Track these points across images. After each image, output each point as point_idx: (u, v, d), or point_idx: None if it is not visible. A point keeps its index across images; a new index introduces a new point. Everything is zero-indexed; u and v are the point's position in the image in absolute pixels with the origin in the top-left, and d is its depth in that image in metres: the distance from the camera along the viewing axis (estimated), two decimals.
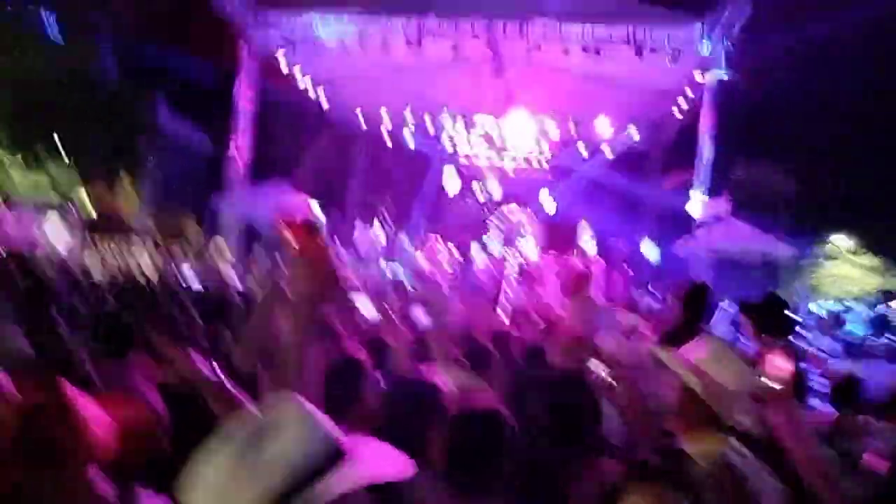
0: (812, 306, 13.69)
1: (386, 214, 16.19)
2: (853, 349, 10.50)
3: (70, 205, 14.68)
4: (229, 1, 12.24)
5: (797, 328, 5.81)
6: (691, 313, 3.55)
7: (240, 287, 7.05)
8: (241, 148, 13.46)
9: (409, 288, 9.08)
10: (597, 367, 2.72)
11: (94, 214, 17.55)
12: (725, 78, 11.51)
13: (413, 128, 16.75)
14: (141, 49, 19.49)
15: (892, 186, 16.08)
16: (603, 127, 15.05)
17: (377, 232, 15.77)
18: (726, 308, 7.48)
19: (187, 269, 9.43)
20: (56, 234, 12.28)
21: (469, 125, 16.38)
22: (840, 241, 17.91)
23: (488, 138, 17.18)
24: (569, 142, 16.43)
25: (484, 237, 16.50)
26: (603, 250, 13.63)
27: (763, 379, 2.10)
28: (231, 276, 9.01)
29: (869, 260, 17.25)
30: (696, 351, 2.12)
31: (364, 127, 17.51)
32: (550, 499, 1.95)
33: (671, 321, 3.76)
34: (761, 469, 1.92)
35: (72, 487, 1.26)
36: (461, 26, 11.78)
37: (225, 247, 12.42)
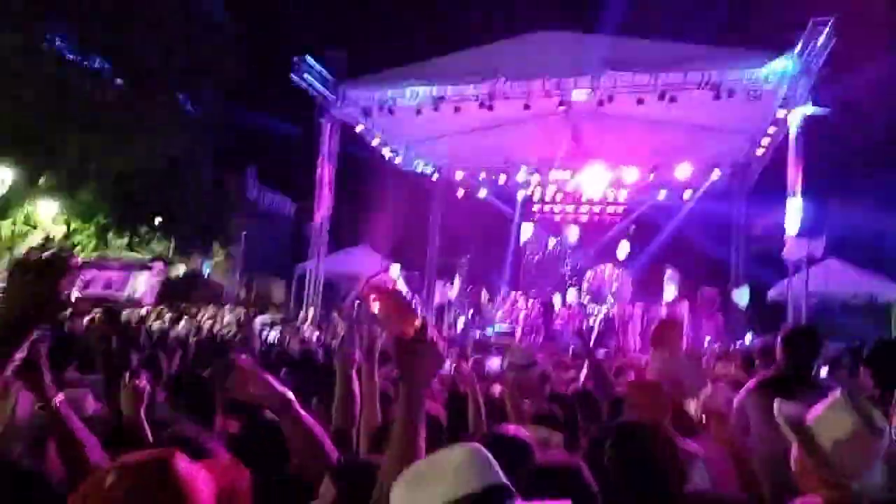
0: None
1: (465, 272, 16.24)
2: None
3: (162, 263, 15.48)
4: (310, 80, 12.94)
5: None
6: (798, 359, 3.24)
7: (319, 352, 7.13)
8: (323, 216, 13.97)
9: (492, 344, 8.95)
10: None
11: (181, 275, 18.63)
12: (810, 113, 10.93)
13: (490, 186, 16.94)
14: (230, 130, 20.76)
15: None
16: (684, 172, 14.68)
17: (457, 290, 15.81)
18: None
19: (272, 332, 9.70)
20: (145, 291, 13.01)
21: (545, 181, 16.39)
22: None
23: (565, 192, 17.11)
24: (649, 190, 16.12)
25: (567, 291, 16.27)
26: (692, 298, 13.15)
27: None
28: (313, 339, 9.18)
29: None
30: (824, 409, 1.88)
31: (441, 187, 17.85)
32: None
33: (774, 368, 3.44)
34: None
35: None
36: (532, 85, 11.91)
37: (311, 313, 12.78)
